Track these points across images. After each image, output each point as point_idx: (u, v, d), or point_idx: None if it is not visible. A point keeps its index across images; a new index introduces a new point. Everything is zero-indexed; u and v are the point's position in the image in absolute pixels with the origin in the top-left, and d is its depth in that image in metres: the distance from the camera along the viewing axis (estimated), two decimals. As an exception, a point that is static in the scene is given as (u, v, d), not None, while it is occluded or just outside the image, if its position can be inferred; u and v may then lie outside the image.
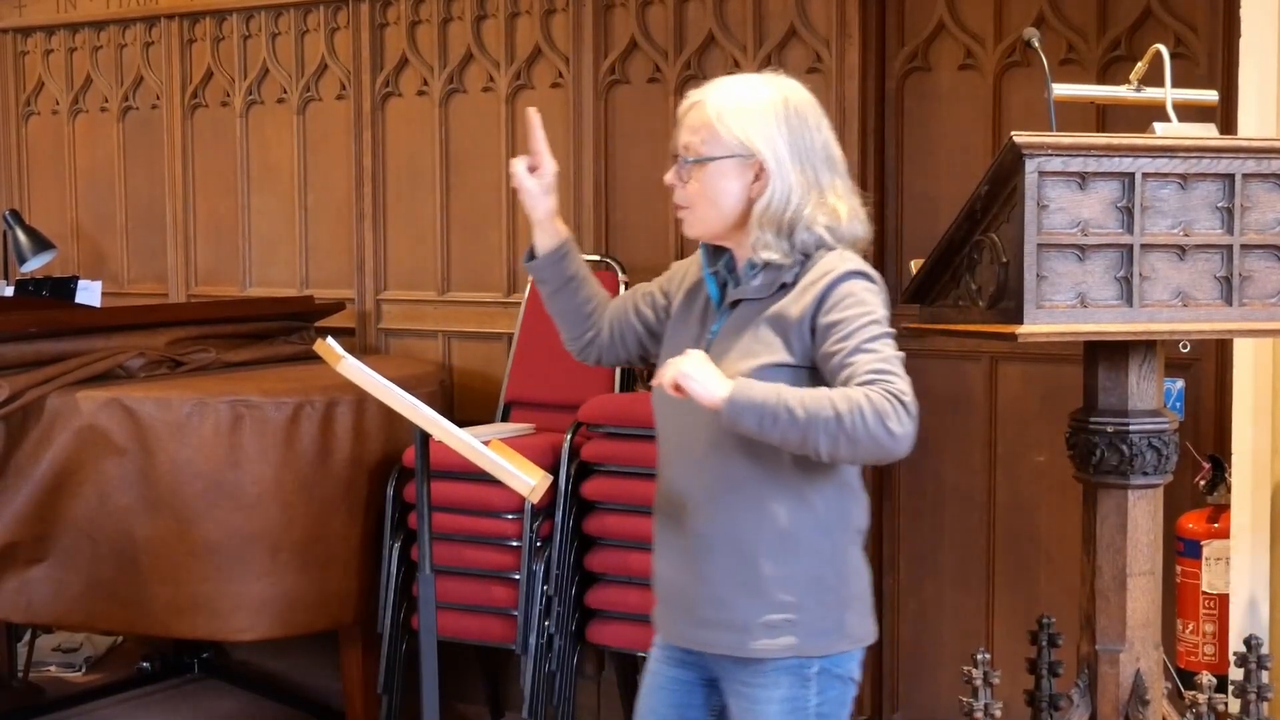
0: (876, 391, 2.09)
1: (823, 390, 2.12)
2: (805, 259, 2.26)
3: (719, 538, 2.27)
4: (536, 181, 2.42)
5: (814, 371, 2.22)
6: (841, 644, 2.30)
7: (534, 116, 2.42)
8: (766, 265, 2.27)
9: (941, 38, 4.10)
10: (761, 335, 2.25)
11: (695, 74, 4.35)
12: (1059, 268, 2.42)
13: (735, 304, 2.32)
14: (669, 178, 2.33)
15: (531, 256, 2.49)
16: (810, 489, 2.26)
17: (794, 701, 2.27)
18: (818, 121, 2.30)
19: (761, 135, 2.25)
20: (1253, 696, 2.83)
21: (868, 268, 2.27)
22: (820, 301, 2.21)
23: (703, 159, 2.27)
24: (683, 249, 4.21)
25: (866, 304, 2.20)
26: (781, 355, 2.22)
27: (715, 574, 2.28)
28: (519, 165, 2.43)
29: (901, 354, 2.18)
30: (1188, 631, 3.34)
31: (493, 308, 4.71)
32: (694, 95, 2.32)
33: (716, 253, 2.38)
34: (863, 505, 2.35)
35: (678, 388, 2.15)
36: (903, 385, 2.11)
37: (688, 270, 2.46)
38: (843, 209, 2.29)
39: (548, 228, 2.45)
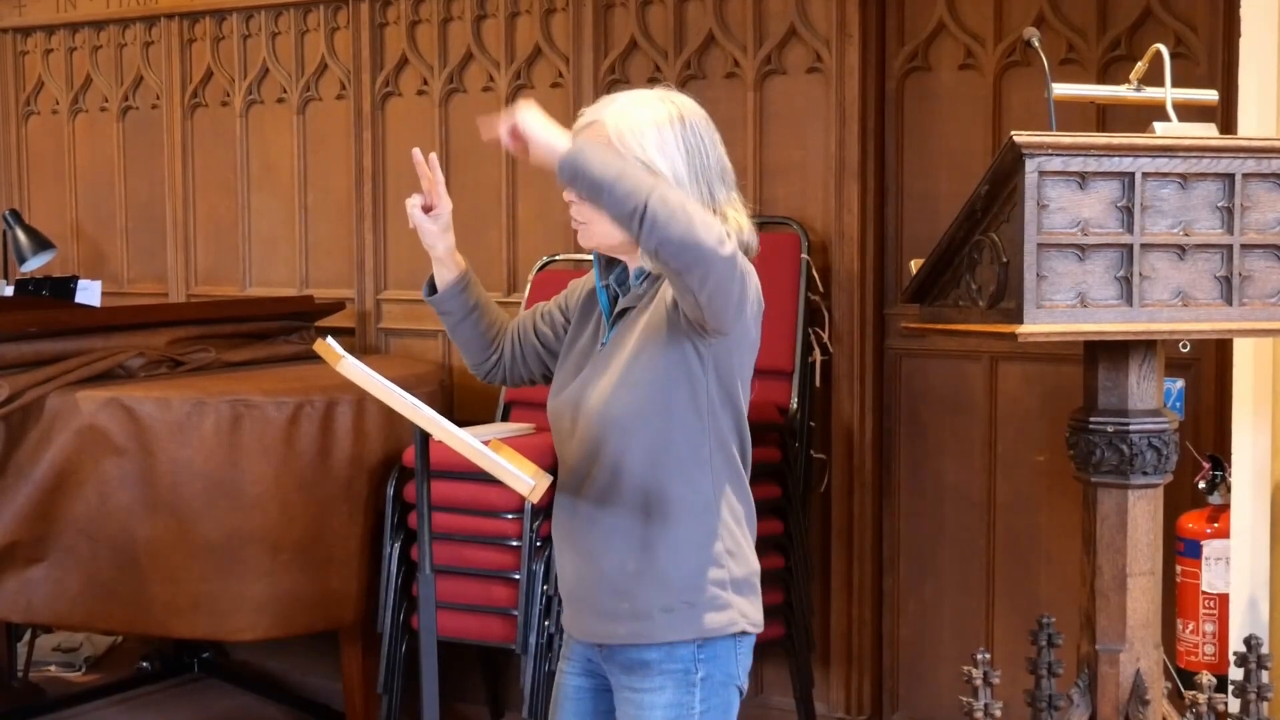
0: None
1: None
2: None
3: (612, 529, 2.29)
4: (433, 221, 2.39)
5: (699, 354, 2.23)
6: (739, 624, 2.31)
7: (419, 155, 2.37)
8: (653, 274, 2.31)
9: (941, 37, 4.10)
10: (648, 330, 2.27)
11: (695, 74, 4.35)
12: (1059, 267, 2.42)
13: (624, 313, 2.34)
14: (568, 194, 2.29)
15: (433, 290, 2.49)
16: (698, 471, 2.27)
17: (679, 707, 2.29)
18: (711, 138, 2.30)
19: (660, 153, 2.24)
20: (1253, 696, 2.83)
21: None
22: None
23: None
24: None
25: None
26: (667, 336, 2.23)
27: (612, 565, 2.30)
28: (413, 205, 2.39)
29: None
30: (1188, 631, 3.34)
31: (493, 308, 4.71)
32: (589, 113, 2.30)
33: (610, 265, 2.39)
34: (749, 491, 2.36)
35: (519, 144, 2.15)
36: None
37: (584, 286, 2.48)
38: (734, 223, 2.29)
39: (447, 262, 2.45)
